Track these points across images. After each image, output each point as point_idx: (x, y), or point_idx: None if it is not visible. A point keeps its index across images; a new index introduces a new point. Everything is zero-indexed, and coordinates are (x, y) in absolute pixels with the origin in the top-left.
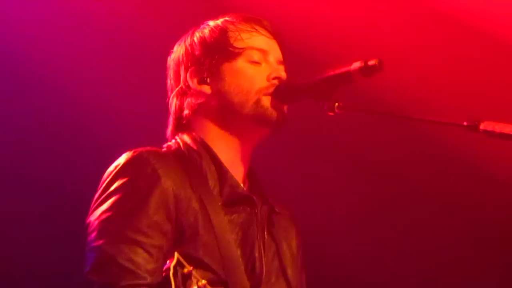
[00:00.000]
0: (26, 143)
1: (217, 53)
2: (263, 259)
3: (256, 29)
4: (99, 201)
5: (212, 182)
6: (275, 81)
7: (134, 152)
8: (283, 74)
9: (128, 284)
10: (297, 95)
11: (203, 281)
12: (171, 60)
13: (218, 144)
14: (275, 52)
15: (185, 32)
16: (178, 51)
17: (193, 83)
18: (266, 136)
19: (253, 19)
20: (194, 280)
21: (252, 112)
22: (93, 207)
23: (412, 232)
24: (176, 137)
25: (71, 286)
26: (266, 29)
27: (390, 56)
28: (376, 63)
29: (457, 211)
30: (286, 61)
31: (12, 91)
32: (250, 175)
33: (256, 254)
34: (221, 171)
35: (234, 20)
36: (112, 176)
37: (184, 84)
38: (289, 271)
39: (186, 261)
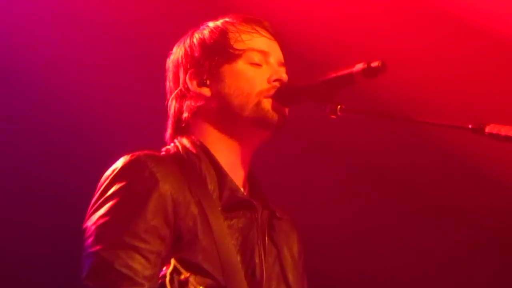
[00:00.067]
0: (23, 144)
1: (217, 55)
2: (264, 265)
3: (256, 30)
4: (96, 205)
5: (211, 186)
6: (276, 83)
7: (131, 156)
8: (284, 76)
9: None
10: (298, 98)
11: None
12: (170, 62)
13: (218, 147)
14: (276, 54)
15: (184, 33)
16: (177, 52)
17: (192, 85)
18: (266, 139)
19: (254, 20)
20: (191, 287)
21: (253, 115)
22: (90, 211)
23: (414, 235)
24: (175, 140)
25: None
26: (267, 30)
27: (393, 57)
28: (379, 64)
29: (459, 213)
30: (287, 62)
31: (10, 92)
32: (250, 179)
33: (256, 260)
34: (221, 175)
35: (234, 21)
36: (109, 180)
37: (183, 86)
38: (290, 277)
39: (184, 267)
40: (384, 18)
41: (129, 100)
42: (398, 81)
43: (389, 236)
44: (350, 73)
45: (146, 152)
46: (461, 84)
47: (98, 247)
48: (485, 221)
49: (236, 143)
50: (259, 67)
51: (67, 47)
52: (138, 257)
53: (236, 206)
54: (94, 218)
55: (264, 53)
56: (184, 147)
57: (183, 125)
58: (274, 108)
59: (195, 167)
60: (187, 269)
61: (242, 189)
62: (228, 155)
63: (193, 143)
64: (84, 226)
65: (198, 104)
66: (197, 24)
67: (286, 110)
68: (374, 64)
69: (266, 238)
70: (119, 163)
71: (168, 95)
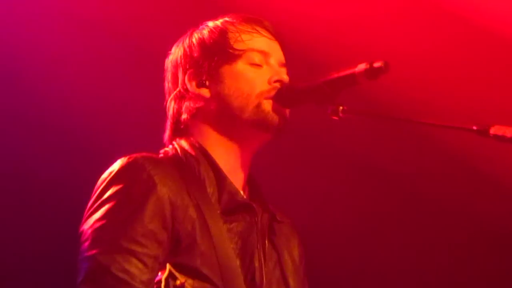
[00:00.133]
0: (21, 144)
1: (216, 55)
2: (264, 269)
3: (257, 30)
4: (92, 209)
5: (210, 189)
6: (277, 84)
7: (129, 158)
8: (285, 77)
9: None
10: (299, 99)
11: None
12: (169, 62)
13: (217, 149)
14: (276, 54)
15: (183, 33)
16: (176, 53)
17: (191, 86)
18: (267, 141)
19: (254, 20)
20: None
21: (253, 117)
22: (87, 215)
23: (416, 237)
24: (174, 142)
25: None
26: (268, 30)
27: (395, 57)
28: (382, 65)
29: (461, 216)
30: (288, 63)
31: (8, 91)
32: (250, 182)
33: (256, 264)
34: (220, 178)
35: (234, 20)
36: (106, 183)
37: (182, 87)
38: (291, 281)
39: (183, 271)
40: (386, 17)
41: (126, 100)
42: (401, 81)
43: (391, 238)
44: (352, 74)
45: (143, 154)
46: (465, 85)
47: (94, 251)
48: (487, 223)
49: (235, 146)
50: (259, 68)
51: (65, 46)
52: (135, 261)
53: (235, 209)
54: (90, 222)
55: (264, 54)
56: (182, 149)
57: (181, 126)
58: (274, 110)
59: (193, 169)
60: (185, 274)
61: (241, 192)
62: (228, 158)
63: (191, 145)
64: (81, 229)
65: (197, 105)
66: (196, 23)
67: (287, 111)
68: (377, 64)
69: (266, 242)
70: (116, 166)
71: (167, 96)
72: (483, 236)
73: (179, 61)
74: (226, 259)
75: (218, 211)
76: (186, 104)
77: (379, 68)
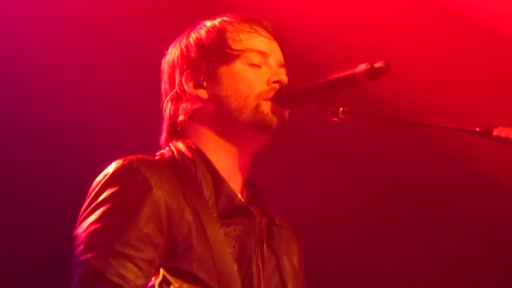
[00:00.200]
0: (19, 144)
1: (214, 55)
2: (262, 274)
3: (255, 30)
4: (87, 212)
5: (207, 192)
6: (276, 85)
7: (124, 160)
8: (284, 78)
9: None
10: (299, 100)
11: None
12: (166, 62)
13: (215, 152)
14: (275, 54)
15: (180, 33)
16: (173, 53)
17: (188, 87)
18: (265, 143)
19: (253, 19)
20: None
21: (251, 119)
22: (81, 218)
23: (418, 239)
24: (170, 144)
25: None
26: (266, 30)
27: (397, 57)
28: (383, 65)
29: (464, 218)
30: (287, 63)
31: (5, 92)
32: (248, 185)
33: (254, 269)
34: (217, 181)
35: (232, 20)
36: (101, 186)
37: (179, 88)
38: (290, 287)
39: (179, 276)
40: (387, 16)
41: (121, 102)
42: (402, 82)
43: (392, 240)
44: (353, 74)
45: (139, 156)
46: (467, 85)
47: (88, 255)
48: (488, 224)
49: (233, 148)
50: (258, 68)
51: (61, 47)
52: (130, 265)
53: (233, 213)
54: (84, 225)
55: (263, 54)
56: (179, 151)
57: (178, 128)
58: (273, 111)
59: (190, 172)
60: (181, 279)
61: (239, 196)
62: (225, 160)
63: (188, 147)
64: (75, 233)
65: (195, 106)
66: (193, 23)
67: (286, 113)
68: (378, 64)
69: (265, 246)
70: (111, 168)
71: (163, 97)
72: (484, 237)
73: (175, 62)
74: (223, 264)
75: (215, 215)
76: (183, 106)
77: (380, 69)
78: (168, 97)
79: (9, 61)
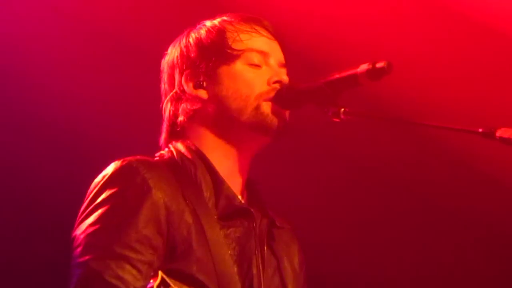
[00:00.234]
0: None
1: (214, 55)
2: (262, 276)
3: (256, 30)
4: (85, 213)
5: (207, 193)
6: (276, 85)
7: (123, 161)
8: (285, 78)
9: None
10: (299, 100)
11: None
12: (165, 63)
13: (215, 153)
14: (276, 54)
15: (180, 33)
16: (172, 53)
17: (188, 88)
18: (266, 144)
19: (253, 19)
20: None
21: (251, 119)
22: (79, 219)
23: (421, 241)
24: (170, 145)
25: None
26: (267, 30)
27: (399, 57)
28: (385, 65)
29: (467, 220)
30: (288, 63)
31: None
32: (248, 186)
33: (254, 271)
34: (217, 182)
35: (233, 20)
36: (99, 187)
37: (179, 88)
38: None
39: (178, 278)
40: (390, 16)
41: (121, 102)
42: (404, 82)
43: (393, 242)
44: (354, 74)
45: (138, 157)
46: (470, 86)
47: (87, 257)
48: (489, 225)
49: (233, 149)
50: (258, 68)
51: (60, 47)
52: (129, 267)
53: (233, 214)
54: (83, 227)
55: (263, 54)
56: (178, 152)
57: (178, 129)
58: (274, 112)
59: (190, 173)
60: (181, 281)
61: (239, 197)
62: (225, 161)
63: (188, 148)
64: (73, 235)
65: (194, 107)
66: (193, 23)
67: (287, 114)
68: (380, 64)
69: (265, 248)
70: (109, 169)
71: (163, 98)
72: (485, 237)
73: (175, 62)
74: (223, 266)
75: (215, 216)
76: (182, 106)
77: (381, 69)
78: (168, 97)
79: (8, 61)
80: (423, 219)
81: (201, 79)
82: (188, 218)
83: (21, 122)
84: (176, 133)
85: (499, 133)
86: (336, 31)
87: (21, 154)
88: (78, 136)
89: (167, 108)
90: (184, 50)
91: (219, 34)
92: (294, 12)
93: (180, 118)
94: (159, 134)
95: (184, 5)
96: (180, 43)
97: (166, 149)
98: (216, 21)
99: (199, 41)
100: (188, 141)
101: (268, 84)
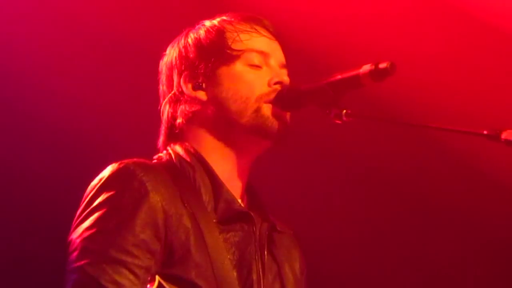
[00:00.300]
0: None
1: (213, 56)
2: (262, 282)
3: (256, 30)
4: (81, 217)
5: (206, 197)
6: (277, 86)
7: (120, 164)
8: (286, 79)
9: None
10: (301, 101)
11: None
12: (163, 64)
13: (214, 156)
14: (277, 55)
15: (178, 33)
16: (171, 54)
17: (187, 89)
18: (266, 148)
19: (253, 19)
20: None
21: (251, 122)
22: (75, 223)
23: (421, 243)
24: (168, 148)
25: None
26: (267, 30)
27: (402, 58)
28: (388, 66)
29: (471, 222)
30: (289, 64)
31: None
32: (248, 190)
33: (254, 276)
34: (216, 185)
35: (232, 19)
36: (96, 190)
37: (177, 90)
38: None
39: (176, 284)
40: (392, 16)
41: (118, 104)
42: (407, 83)
43: (395, 243)
44: (357, 75)
45: (135, 160)
46: (474, 87)
47: (83, 262)
48: (491, 226)
49: (233, 152)
50: (258, 69)
51: (58, 47)
52: (125, 272)
53: (232, 218)
54: (79, 231)
55: (264, 54)
56: (177, 155)
57: (176, 131)
58: (274, 114)
59: (188, 176)
60: (179, 286)
61: (239, 201)
62: (225, 164)
63: (187, 150)
64: (69, 239)
65: (193, 109)
66: (192, 23)
67: (288, 116)
68: (383, 65)
69: (266, 253)
70: (106, 172)
71: (161, 100)
72: (486, 238)
73: (174, 63)
74: (223, 271)
75: (214, 220)
76: (181, 108)
77: (384, 69)
78: (166, 99)
79: (6, 61)
80: (425, 221)
81: (200, 80)
82: (187, 222)
83: (19, 122)
84: (174, 135)
85: (504, 135)
86: (338, 31)
87: (17, 155)
88: (75, 139)
89: (165, 110)
90: (183, 50)
91: (219, 34)
92: (295, 11)
93: (179, 120)
94: (157, 136)
95: (183, 5)
96: (178, 43)
97: (164, 152)
98: (215, 21)
99: (198, 42)
100: (187, 144)
101: (269, 85)
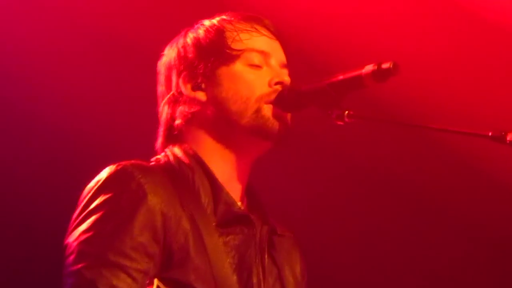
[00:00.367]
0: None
1: (212, 56)
2: (263, 285)
3: (256, 29)
4: (78, 220)
5: (205, 199)
6: (278, 87)
7: (117, 166)
8: (287, 79)
9: None
10: (302, 102)
11: None
12: (162, 64)
13: (213, 157)
14: (277, 54)
15: (177, 33)
16: (169, 54)
17: (186, 89)
18: (266, 149)
19: (253, 18)
20: None
21: (251, 123)
22: (72, 226)
23: (422, 246)
24: (166, 149)
25: None
26: (268, 29)
27: (406, 58)
28: (391, 66)
29: (468, 221)
30: (290, 64)
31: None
32: (248, 192)
33: (254, 280)
34: (216, 188)
35: (232, 18)
36: (93, 193)
37: (176, 90)
38: None
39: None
40: (395, 15)
41: (116, 105)
42: (411, 84)
43: (397, 246)
44: (359, 76)
45: (133, 161)
46: (477, 87)
47: (80, 265)
48: (493, 227)
49: (233, 154)
50: (259, 69)
51: (54, 46)
52: (123, 276)
53: (232, 221)
54: (76, 234)
55: (264, 54)
56: (175, 156)
57: (175, 132)
58: (275, 115)
59: (187, 178)
60: None
61: (239, 203)
62: (224, 166)
63: (185, 152)
64: (66, 242)
65: (192, 110)
66: (191, 23)
67: (289, 117)
68: (385, 65)
69: (266, 256)
70: (103, 174)
71: (160, 100)
72: (487, 239)
73: (172, 63)
74: (222, 275)
75: (214, 223)
76: (180, 109)
77: (387, 70)
78: (165, 100)
79: (6, 61)
80: (425, 221)
81: (199, 80)
82: (186, 224)
83: (17, 122)
84: (173, 137)
85: (509, 137)
86: (340, 31)
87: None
88: (72, 140)
89: (164, 111)
90: (182, 50)
91: (218, 33)
92: (296, 10)
93: (177, 121)
94: (156, 138)
95: (182, 4)
96: (177, 43)
97: (163, 154)
98: (214, 20)
99: (197, 41)
100: (186, 145)
101: (269, 85)
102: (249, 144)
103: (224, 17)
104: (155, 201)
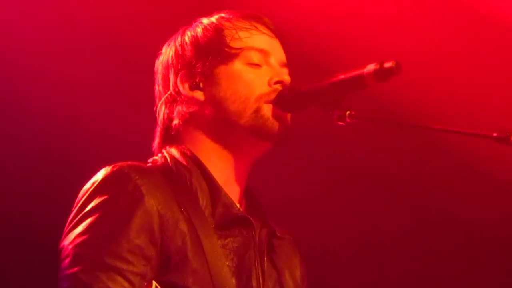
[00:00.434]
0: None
1: (211, 55)
2: None
3: (255, 27)
4: (73, 222)
5: (203, 201)
6: (278, 86)
7: (113, 167)
8: (287, 78)
9: None
10: (302, 102)
11: None
12: (159, 63)
13: (211, 158)
14: (277, 53)
15: (175, 32)
16: (167, 52)
17: (184, 89)
18: (266, 150)
19: (253, 16)
20: None
21: (251, 123)
22: (67, 229)
23: (423, 246)
24: (163, 150)
25: None
26: (267, 27)
27: (408, 57)
28: (393, 65)
29: (476, 225)
30: (290, 63)
31: None
32: (247, 194)
33: (254, 283)
34: (214, 189)
35: (231, 17)
36: (89, 194)
37: (174, 90)
38: None
39: None
40: (398, 13)
41: (113, 106)
42: (413, 84)
43: (398, 247)
44: (361, 75)
45: (130, 163)
46: (479, 87)
47: (75, 269)
48: (492, 228)
49: (231, 154)
50: (258, 68)
51: (52, 46)
52: (120, 279)
53: (231, 223)
54: (71, 237)
55: (264, 52)
56: (173, 157)
57: (172, 133)
58: (275, 115)
59: (185, 180)
60: None
61: (238, 205)
62: (223, 167)
63: (183, 153)
64: (61, 245)
65: (190, 109)
66: (189, 21)
67: (288, 117)
68: (388, 64)
69: (265, 259)
70: (99, 175)
71: (157, 100)
72: (487, 239)
73: (170, 62)
74: (221, 278)
75: (212, 225)
76: (178, 109)
77: (390, 69)
78: (162, 99)
79: (7, 61)
80: (426, 222)
81: (198, 79)
82: (183, 227)
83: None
84: (170, 137)
85: None
86: (341, 29)
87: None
88: (69, 141)
89: (161, 111)
90: (179, 49)
91: (217, 32)
92: (296, 8)
93: (175, 122)
94: (152, 138)
95: (180, 3)
96: (175, 42)
97: (160, 155)
98: (213, 18)
99: (195, 40)
100: (183, 146)
101: (269, 85)
102: (248, 145)
103: (222, 15)
104: (152, 203)
